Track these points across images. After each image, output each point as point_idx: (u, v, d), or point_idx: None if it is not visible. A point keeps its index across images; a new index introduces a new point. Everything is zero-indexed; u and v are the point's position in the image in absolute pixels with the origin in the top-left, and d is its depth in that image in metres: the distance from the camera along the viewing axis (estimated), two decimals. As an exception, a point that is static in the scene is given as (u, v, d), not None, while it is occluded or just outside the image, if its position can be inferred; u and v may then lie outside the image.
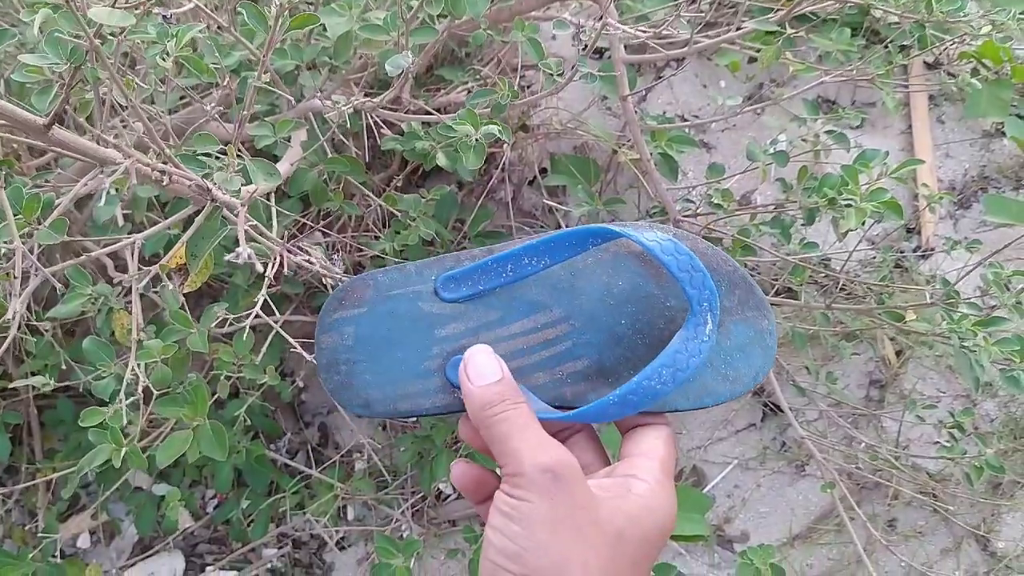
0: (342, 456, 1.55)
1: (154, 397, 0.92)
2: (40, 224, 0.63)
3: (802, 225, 1.13)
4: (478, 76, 1.43)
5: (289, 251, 0.57)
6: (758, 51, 1.37)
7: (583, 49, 0.90)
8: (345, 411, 0.49)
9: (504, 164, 1.49)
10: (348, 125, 0.93)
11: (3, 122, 0.49)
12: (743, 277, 0.57)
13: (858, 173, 1.03)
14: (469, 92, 1.34)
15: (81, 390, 1.37)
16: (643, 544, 0.48)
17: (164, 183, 0.63)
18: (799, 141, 1.38)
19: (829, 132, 1.36)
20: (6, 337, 0.73)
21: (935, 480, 1.35)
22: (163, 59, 0.66)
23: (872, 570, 1.13)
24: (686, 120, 1.58)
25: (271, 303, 0.95)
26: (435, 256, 0.57)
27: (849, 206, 0.95)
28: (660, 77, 1.63)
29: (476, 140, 0.76)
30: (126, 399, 0.86)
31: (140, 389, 0.88)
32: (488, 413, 0.50)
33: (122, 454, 0.80)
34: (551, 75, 0.87)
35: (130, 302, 0.94)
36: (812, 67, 1.19)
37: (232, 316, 0.93)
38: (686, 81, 1.63)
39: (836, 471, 1.23)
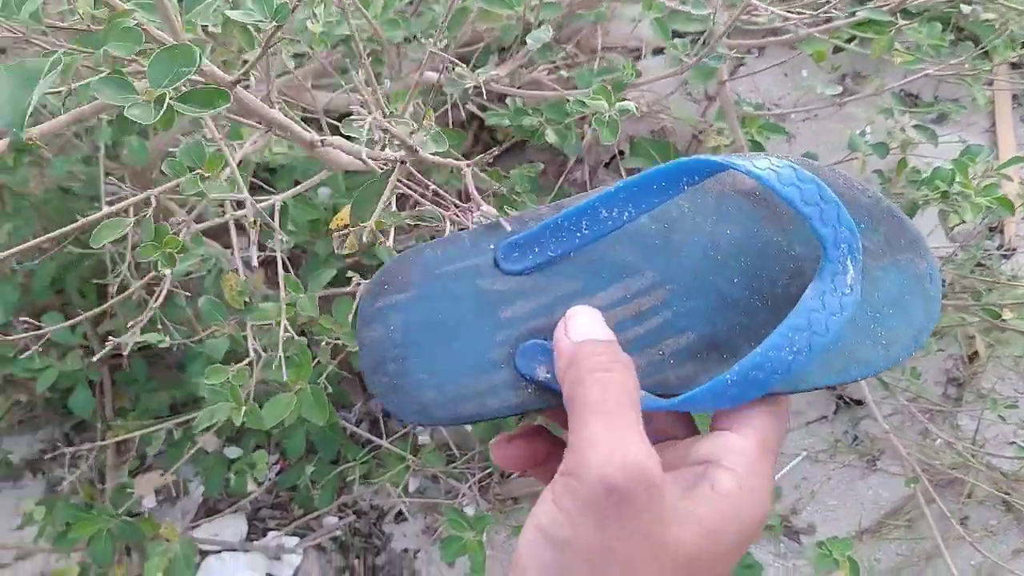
0: (405, 429, 1.56)
1: (261, 360, 0.93)
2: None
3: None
4: (563, 55, 1.42)
5: (466, 210, 0.55)
6: (847, 41, 1.36)
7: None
8: (400, 420, 0.38)
9: (585, 144, 1.49)
10: (462, 99, 0.93)
11: (199, 79, 0.49)
12: (888, 209, 0.46)
13: (967, 167, 1.02)
14: (551, 71, 1.34)
15: (158, 350, 1.39)
16: (721, 562, 0.39)
17: (317, 147, 0.63)
18: (884, 134, 1.38)
19: (916, 127, 1.35)
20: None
21: (1010, 480, 1.34)
22: (312, 23, 0.66)
23: (952, 564, 1.13)
24: (768, 109, 1.57)
25: (358, 273, 0.96)
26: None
27: (964, 200, 0.94)
28: (742, 63, 1.62)
29: (610, 116, 0.76)
30: (240, 361, 0.87)
31: (252, 350, 0.89)
32: (584, 367, 0.40)
33: (242, 413, 0.81)
34: (677, 56, 0.87)
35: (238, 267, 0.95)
36: (918, 58, 1.18)
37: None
38: (768, 70, 1.62)
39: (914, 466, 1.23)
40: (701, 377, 0.44)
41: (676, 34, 1.79)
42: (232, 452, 1.51)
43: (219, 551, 1.52)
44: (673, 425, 0.46)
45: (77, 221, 0.84)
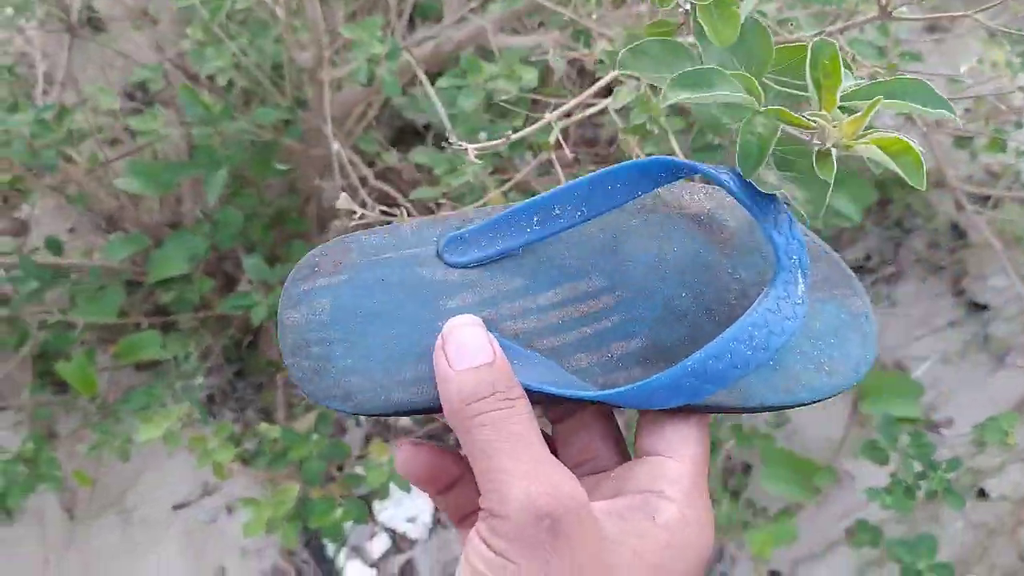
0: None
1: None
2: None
3: None
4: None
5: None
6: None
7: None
8: (321, 406, 0.46)
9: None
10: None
11: None
12: (823, 248, 0.47)
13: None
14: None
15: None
16: None
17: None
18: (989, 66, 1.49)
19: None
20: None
21: None
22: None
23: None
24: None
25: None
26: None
27: None
28: None
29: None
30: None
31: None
32: (470, 411, 0.38)
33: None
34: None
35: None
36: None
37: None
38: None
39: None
40: None
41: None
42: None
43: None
44: (601, 448, 0.45)
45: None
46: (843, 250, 1.63)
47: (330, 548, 1.50)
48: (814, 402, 0.45)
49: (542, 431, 0.41)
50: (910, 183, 0.31)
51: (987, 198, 1.37)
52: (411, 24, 1.56)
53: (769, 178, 0.38)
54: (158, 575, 1.45)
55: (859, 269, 1.65)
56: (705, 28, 0.37)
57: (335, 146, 1.22)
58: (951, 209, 1.61)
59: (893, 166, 0.32)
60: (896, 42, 1.27)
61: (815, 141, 0.35)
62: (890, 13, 0.61)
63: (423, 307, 0.44)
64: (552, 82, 1.37)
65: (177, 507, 1.53)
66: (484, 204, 0.99)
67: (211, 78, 1.33)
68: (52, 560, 1.46)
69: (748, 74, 0.38)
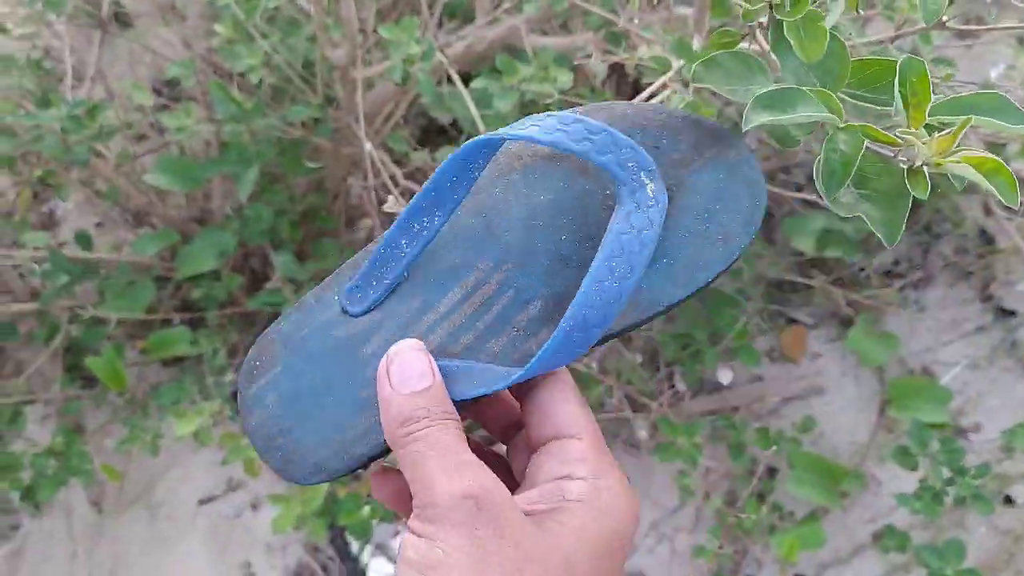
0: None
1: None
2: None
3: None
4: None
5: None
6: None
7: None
8: (301, 483, 0.46)
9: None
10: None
11: None
12: (684, 118, 0.46)
13: None
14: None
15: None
16: (601, 559, 0.39)
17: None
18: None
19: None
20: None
21: None
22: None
23: None
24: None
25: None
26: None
27: None
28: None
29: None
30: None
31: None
32: (404, 431, 0.41)
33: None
34: None
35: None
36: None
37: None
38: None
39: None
40: None
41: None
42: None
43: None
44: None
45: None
46: (871, 254, 1.63)
47: (354, 545, 1.50)
48: (717, 276, 0.44)
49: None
50: (1004, 202, 0.31)
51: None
52: (439, 23, 1.56)
53: (846, 198, 0.37)
54: (185, 569, 1.46)
55: (888, 274, 1.64)
56: (793, 44, 0.37)
57: (367, 145, 1.22)
58: (979, 214, 1.60)
59: (987, 185, 0.32)
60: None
61: (901, 158, 0.35)
62: (944, 23, 0.61)
63: (348, 363, 0.47)
64: (580, 84, 1.37)
65: (202, 502, 1.53)
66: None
67: (241, 75, 1.33)
68: (81, 554, 1.47)
69: (827, 90, 0.37)
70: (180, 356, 1.57)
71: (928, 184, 0.33)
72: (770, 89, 0.37)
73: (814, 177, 0.37)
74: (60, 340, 1.42)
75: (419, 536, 0.39)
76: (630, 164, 0.41)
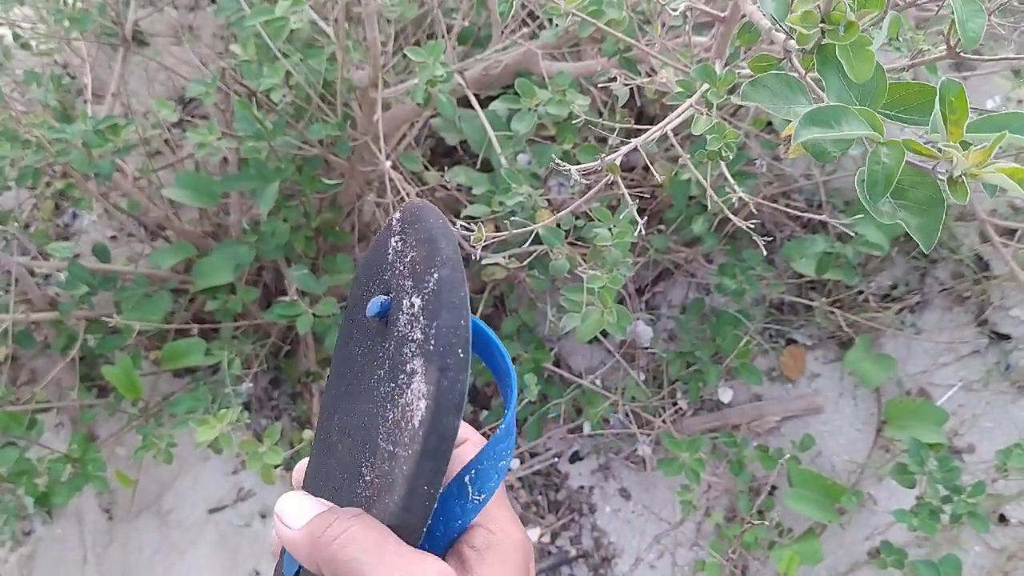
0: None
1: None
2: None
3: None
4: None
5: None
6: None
7: None
8: None
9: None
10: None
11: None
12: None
13: None
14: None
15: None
16: None
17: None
18: (1015, 103, 1.54)
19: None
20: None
21: None
22: None
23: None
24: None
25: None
26: None
27: None
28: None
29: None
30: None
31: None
32: (325, 540, 0.40)
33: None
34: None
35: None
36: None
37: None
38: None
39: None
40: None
41: None
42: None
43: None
44: None
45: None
46: (869, 278, 1.67)
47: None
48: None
49: None
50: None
51: (1013, 231, 1.41)
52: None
53: (885, 207, 0.41)
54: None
55: (886, 297, 1.69)
56: (844, 65, 0.41)
57: (387, 163, 1.26)
58: (975, 241, 1.65)
59: (1020, 191, 0.36)
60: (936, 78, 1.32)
61: (939, 170, 0.39)
62: (959, 53, 0.65)
63: None
64: (598, 108, 1.41)
65: (212, 511, 1.55)
66: (533, 224, 1.03)
67: (257, 94, 1.36)
68: (91, 559, 1.48)
69: (869, 108, 0.41)
70: (191, 367, 1.60)
71: (968, 191, 0.37)
72: (817, 107, 0.41)
73: (856, 188, 0.41)
74: (76, 349, 1.44)
75: None
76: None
